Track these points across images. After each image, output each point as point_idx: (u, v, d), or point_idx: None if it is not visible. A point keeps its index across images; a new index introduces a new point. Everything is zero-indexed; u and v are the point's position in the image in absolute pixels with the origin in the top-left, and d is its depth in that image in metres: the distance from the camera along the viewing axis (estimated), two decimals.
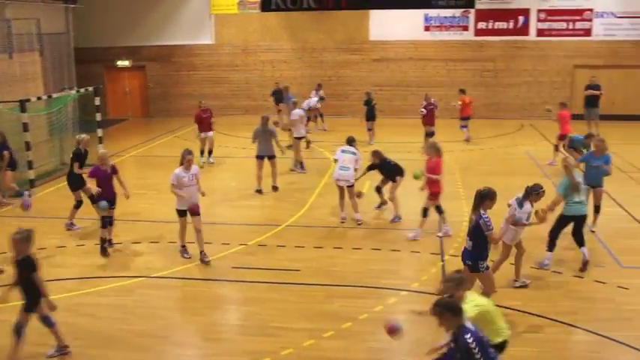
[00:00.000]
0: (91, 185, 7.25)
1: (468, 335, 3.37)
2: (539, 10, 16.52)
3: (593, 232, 7.54)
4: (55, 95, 11.97)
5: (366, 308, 5.61)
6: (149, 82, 18.18)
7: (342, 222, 8.13)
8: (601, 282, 6.04)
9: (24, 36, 13.68)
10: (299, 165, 11.12)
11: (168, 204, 8.95)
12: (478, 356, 3.34)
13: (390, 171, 8.32)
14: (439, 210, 7.60)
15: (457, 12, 16.72)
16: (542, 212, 5.62)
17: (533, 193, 5.83)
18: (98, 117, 11.97)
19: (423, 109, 12.77)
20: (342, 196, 8.19)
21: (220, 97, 17.64)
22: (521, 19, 16.59)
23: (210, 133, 11.74)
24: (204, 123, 11.68)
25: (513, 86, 16.84)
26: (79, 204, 8.00)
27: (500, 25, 16.69)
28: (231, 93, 17.68)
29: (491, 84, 16.91)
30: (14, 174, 9.32)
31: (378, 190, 8.68)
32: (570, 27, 16.46)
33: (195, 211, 6.78)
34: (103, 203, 6.97)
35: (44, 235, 7.55)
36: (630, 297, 5.85)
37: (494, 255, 5.71)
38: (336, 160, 8.17)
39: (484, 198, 5.07)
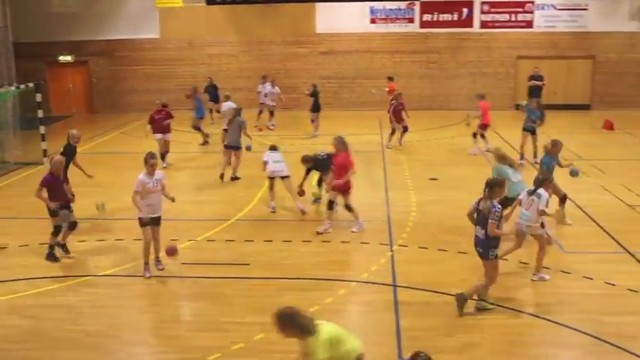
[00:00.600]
0: (44, 195, 6.66)
1: None
2: (483, 3, 16.79)
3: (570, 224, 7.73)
4: None
5: (317, 300, 5.64)
6: (93, 77, 17.86)
7: (273, 212, 8.28)
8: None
9: None
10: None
11: (114, 200, 8.87)
12: None
13: (325, 166, 8.35)
14: (330, 206, 7.57)
15: (402, 4, 16.87)
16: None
17: (546, 181, 6.15)
18: (40, 114, 11.71)
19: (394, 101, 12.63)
20: (272, 188, 8.38)
21: (166, 92, 17.42)
22: (465, 11, 16.84)
23: (167, 135, 11.08)
24: (156, 124, 10.96)
25: (458, 77, 17.08)
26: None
27: (445, 17, 16.90)
28: (178, 88, 17.50)
29: (436, 75, 17.12)
30: None
31: (319, 183, 8.77)
32: (513, 19, 16.78)
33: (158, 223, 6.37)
34: (65, 212, 6.74)
35: None
36: (572, 281, 6.02)
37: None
38: (265, 162, 8.36)
39: (494, 186, 5.22)
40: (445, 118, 15.71)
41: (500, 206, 5.17)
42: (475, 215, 5.29)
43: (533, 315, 5.32)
